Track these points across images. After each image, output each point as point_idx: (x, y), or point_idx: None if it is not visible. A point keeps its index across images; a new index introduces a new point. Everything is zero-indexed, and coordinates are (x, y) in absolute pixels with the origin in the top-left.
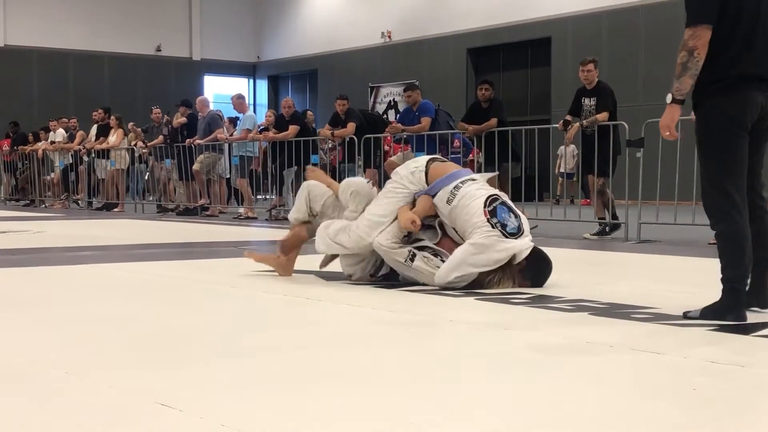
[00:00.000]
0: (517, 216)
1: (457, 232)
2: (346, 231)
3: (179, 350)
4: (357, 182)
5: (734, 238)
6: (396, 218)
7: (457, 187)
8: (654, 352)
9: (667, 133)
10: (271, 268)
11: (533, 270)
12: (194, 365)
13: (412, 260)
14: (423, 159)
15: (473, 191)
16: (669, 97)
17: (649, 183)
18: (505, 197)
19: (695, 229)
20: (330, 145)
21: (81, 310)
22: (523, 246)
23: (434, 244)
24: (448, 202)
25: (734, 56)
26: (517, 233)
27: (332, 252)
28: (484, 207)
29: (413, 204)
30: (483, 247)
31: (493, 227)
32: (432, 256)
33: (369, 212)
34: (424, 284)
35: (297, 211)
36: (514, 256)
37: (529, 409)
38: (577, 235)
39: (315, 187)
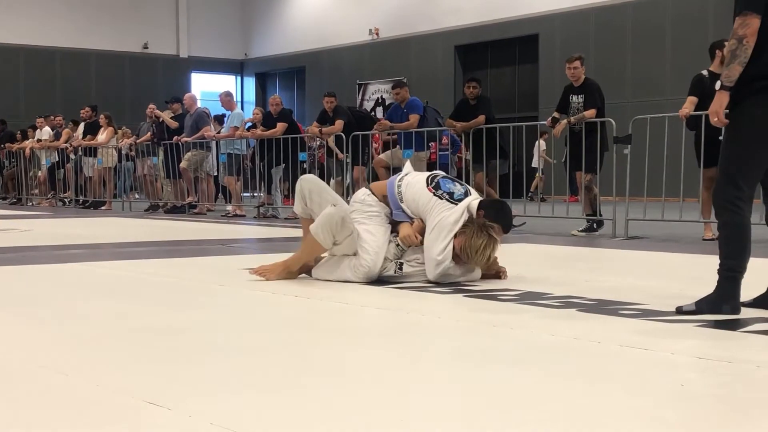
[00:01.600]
0: (462, 184)
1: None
2: (351, 269)
3: (167, 348)
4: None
5: (739, 228)
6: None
7: (399, 186)
8: (642, 348)
9: (716, 119)
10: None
11: (493, 211)
12: (183, 363)
13: (401, 269)
14: (360, 190)
15: (411, 179)
16: (718, 84)
17: (636, 179)
18: (444, 174)
19: (682, 225)
20: (318, 143)
21: (69, 308)
22: (470, 199)
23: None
24: (402, 201)
25: None
26: (464, 198)
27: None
28: (427, 186)
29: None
30: (439, 225)
31: (440, 198)
32: (417, 255)
33: (368, 243)
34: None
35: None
36: (471, 214)
37: (516, 406)
38: (565, 232)
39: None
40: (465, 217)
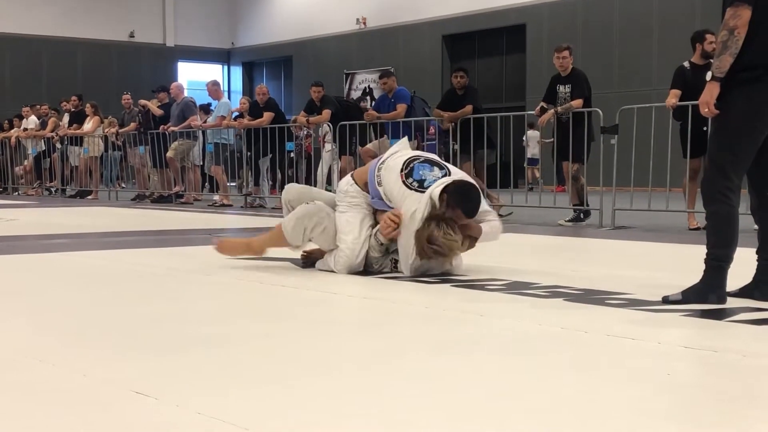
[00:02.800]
0: (442, 167)
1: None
2: (332, 257)
3: (154, 338)
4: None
5: (728, 218)
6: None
7: (379, 168)
8: (628, 338)
9: (706, 110)
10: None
11: (456, 196)
12: (169, 353)
13: (396, 268)
14: (344, 178)
15: (391, 163)
16: (709, 75)
17: (623, 169)
18: (429, 155)
19: (669, 215)
20: (305, 133)
21: (55, 298)
22: (434, 186)
23: None
24: (379, 185)
25: (763, 44)
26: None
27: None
28: (401, 172)
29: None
30: (409, 221)
31: (410, 188)
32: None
33: (345, 234)
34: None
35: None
36: (434, 202)
37: (502, 396)
38: (552, 222)
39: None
40: (428, 208)
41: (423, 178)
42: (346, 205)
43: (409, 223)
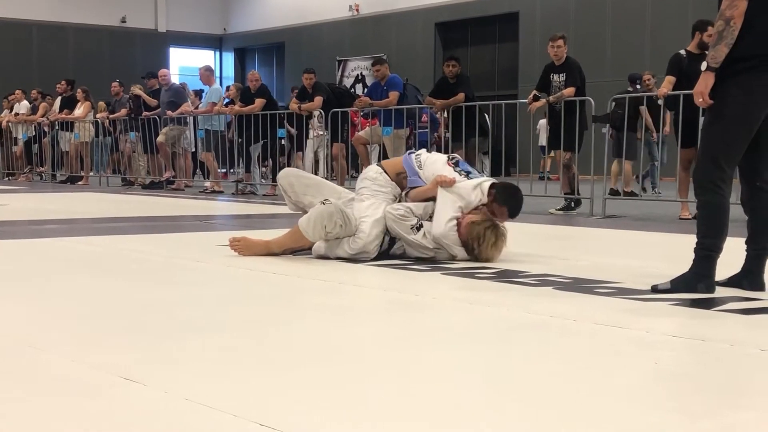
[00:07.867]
0: (481, 172)
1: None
2: (348, 244)
3: (144, 324)
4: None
5: (718, 209)
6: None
7: (418, 157)
8: (617, 327)
9: (700, 100)
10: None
11: (505, 194)
12: (159, 340)
13: (418, 230)
14: (371, 167)
15: (430, 155)
16: (704, 65)
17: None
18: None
19: (659, 204)
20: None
21: (45, 283)
22: (482, 180)
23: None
24: (419, 167)
25: (761, 35)
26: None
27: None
28: (448, 160)
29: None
30: (456, 187)
31: (459, 174)
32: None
33: (367, 215)
34: (395, 257)
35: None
36: (483, 195)
37: (491, 384)
38: (543, 210)
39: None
40: (477, 193)
41: (470, 170)
42: (369, 192)
43: (459, 189)
